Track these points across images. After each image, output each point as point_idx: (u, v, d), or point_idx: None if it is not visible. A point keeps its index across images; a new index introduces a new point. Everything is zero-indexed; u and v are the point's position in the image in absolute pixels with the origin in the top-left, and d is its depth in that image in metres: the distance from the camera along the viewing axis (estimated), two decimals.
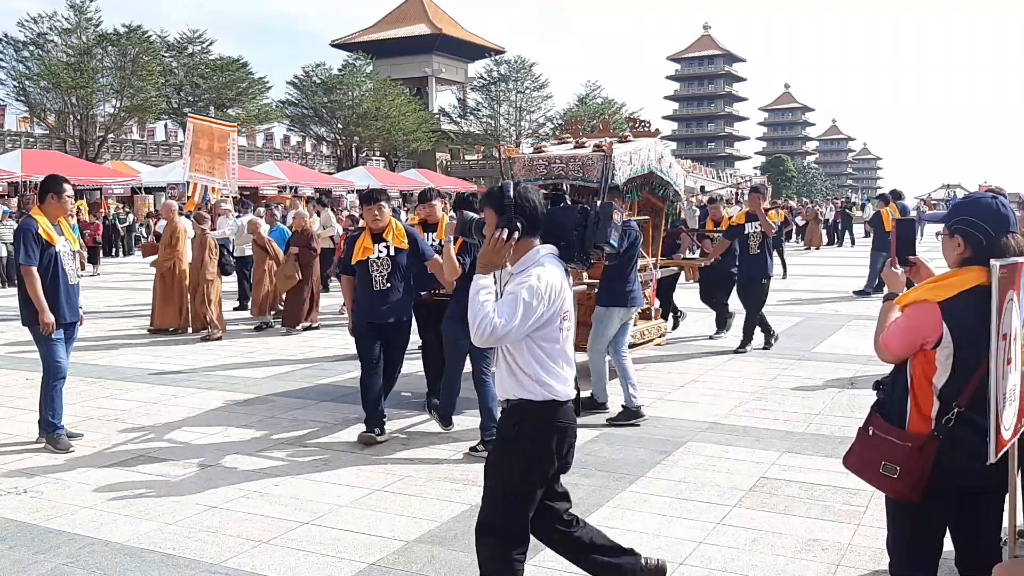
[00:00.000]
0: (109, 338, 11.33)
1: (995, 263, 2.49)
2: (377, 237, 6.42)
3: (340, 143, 49.62)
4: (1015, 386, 2.59)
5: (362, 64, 50.07)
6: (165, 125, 42.41)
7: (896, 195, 17.39)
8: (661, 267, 9.57)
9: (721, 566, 4.21)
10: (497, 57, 59.59)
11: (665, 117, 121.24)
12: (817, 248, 29.20)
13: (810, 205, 36.66)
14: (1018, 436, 2.64)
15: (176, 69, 41.14)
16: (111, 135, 38.72)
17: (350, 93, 47.84)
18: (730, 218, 11.55)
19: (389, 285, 6.37)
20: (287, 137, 49.52)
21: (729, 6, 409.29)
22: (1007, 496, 3.01)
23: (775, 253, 19.23)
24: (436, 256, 6.44)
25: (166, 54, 40.77)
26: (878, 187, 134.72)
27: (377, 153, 53.10)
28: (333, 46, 67.06)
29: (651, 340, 9.08)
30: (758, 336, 10.06)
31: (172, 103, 40.38)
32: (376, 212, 6.41)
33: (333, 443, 6.41)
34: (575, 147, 8.51)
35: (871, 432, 2.95)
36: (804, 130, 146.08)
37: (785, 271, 18.96)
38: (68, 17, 36.63)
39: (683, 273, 11.40)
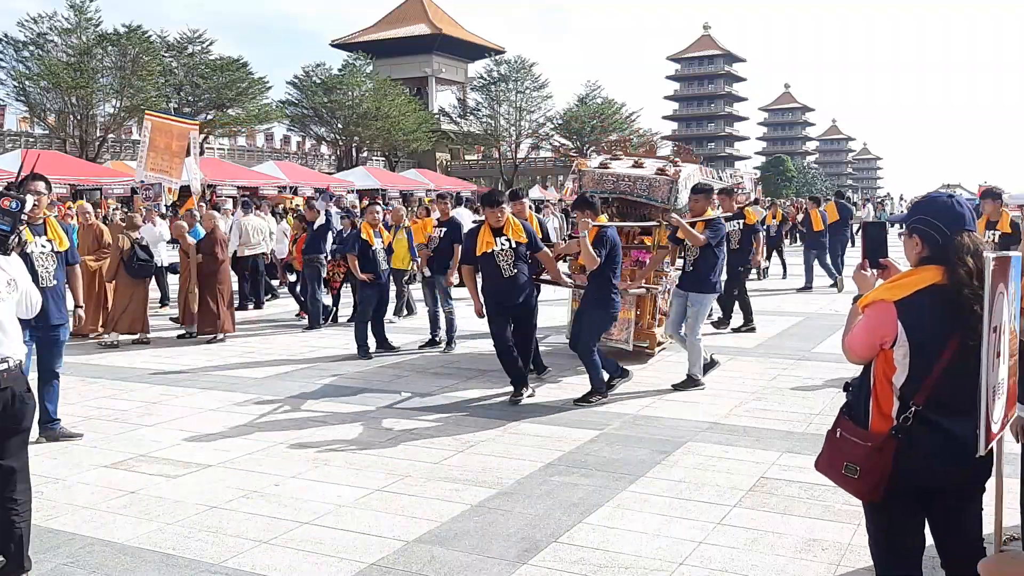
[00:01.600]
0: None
1: (989, 256, 2.50)
2: (497, 232, 7.53)
3: (340, 143, 49.63)
4: (1003, 379, 2.59)
5: (362, 64, 50.07)
6: None
7: (839, 195, 18.25)
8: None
9: (721, 566, 4.21)
10: (497, 57, 59.57)
11: (665, 117, 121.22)
12: None
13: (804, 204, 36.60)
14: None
15: (176, 69, 41.11)
16: (111, 135, 38.70)
17: (350, 93, 47.85)
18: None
19: (516, 271, 7.51)
20: (287, 137, 49.53)
21: (729, 6, 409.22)
22: (981, 495, 3.00)
23: (774, 253, 19.50)
24: (545, 248, 7.97)
25: (166, 54, 40.74)
26: (878, 187, 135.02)
27: (377, 153, 53.11)
28: (333, 46, 67.08)
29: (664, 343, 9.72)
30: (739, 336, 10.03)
31: (172, 103, 40.33)
32: (498, 213, 7.53)
33: (333, 443, 6.41)
34: (633, 166, 9.81)
35: (838, 434, 2.96)
36: (804, 130, 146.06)
37: (785, 271, 18.96)
38: (68, 17, 36.64)
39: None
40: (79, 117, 36.75)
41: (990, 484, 3.07)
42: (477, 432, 6.57)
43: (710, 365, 8.28)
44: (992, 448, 2.94)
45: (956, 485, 2.84)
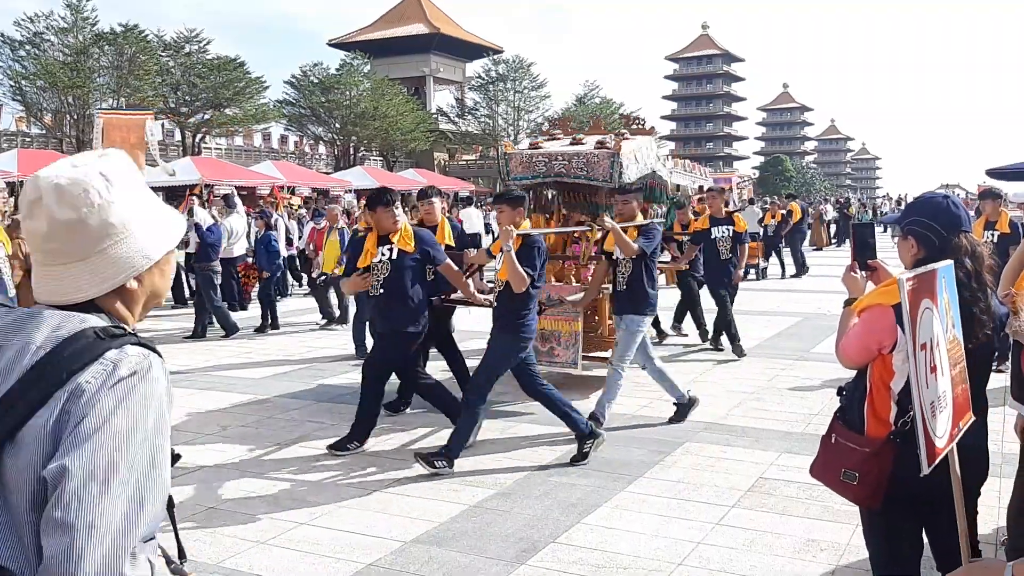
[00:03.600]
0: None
1: (902, 277, 2.46)
2: (384, 240, 6.15)
3: (338, 143, 49.58)
4: (945, 392, 2.55)
5: (360, 64, 50.00)
6: (162, 125, 42.34)
7: (791, 197, 19.53)
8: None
9: (720, 567, 4.20)
10: (495, 57, 59.55)
11: (664, 117, 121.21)
12: (820, 248, 29.17)
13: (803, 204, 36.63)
14: (955, 443, 2.59)
15: (173, 69, 41.01)
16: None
17: (348, 93, 47.78)
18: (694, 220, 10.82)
19: (383, 291, 6.08)
20: (284, 137, 49.49)
21: (728, 6, 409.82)
22: (975, 499, 2.99)
23: (772, 254, 19.52)
24: (449, 261, 6.34)
25: (163, 53, 40.67)
26: (877, 187, 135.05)
27: (375, 153, 53.05)
28: (331, 45, 67.00)
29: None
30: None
31: (169, 103, 40.27)
32: (386, 217, 6.10)
33: (331, 443, 6.39)
34: (572, 143, 8.11)
35: (833, 439, 2.91)
36: (803, 130, 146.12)
37: (783, 271, 18.98)
38: (65, 16, 36.55)
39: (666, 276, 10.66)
40: (76, 117, 36.66)
41: (988, 488, 3.06)
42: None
43: (690, 404, 6.89)
44: (995, 452, 2.93)
45: (946, 494, 2.82)
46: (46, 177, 1.42)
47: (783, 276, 18.65)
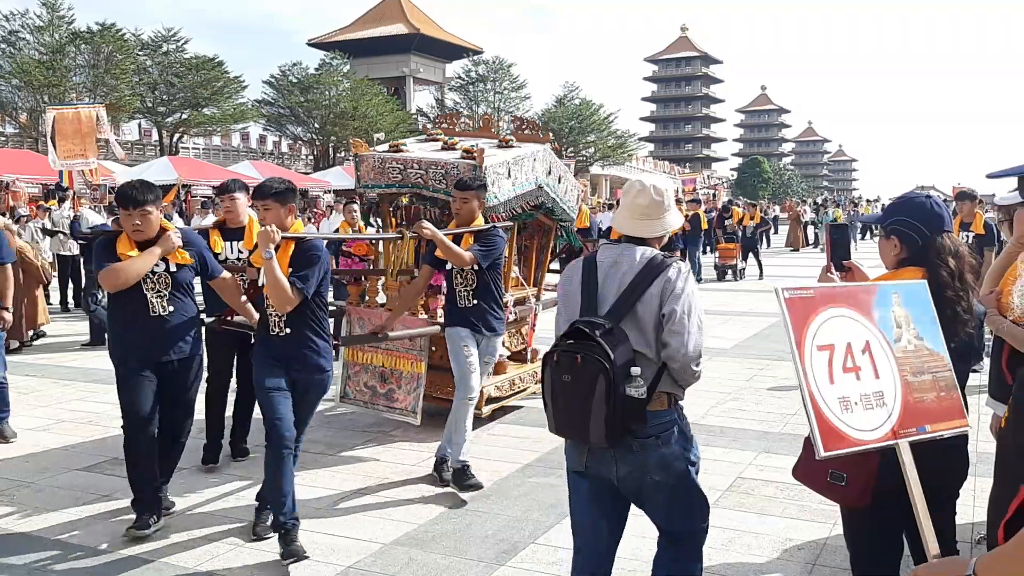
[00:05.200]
0: (82, 339, 11.19)
1: (779, 289, 2.52)
2: (145, 246, 4.57)
3: (317, 143, 49.39)
4: (881, 392, 2.58)
5: (339, 63, 49.85)
6: (139, 124, 42.02)
7: (697, 202, 19.85)
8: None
9: None
10: (475, 57, 59.55)
11: (643, 118, 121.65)
12: (797, 250, 29.39)
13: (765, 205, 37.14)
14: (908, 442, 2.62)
15: (151, 68, 40.71)
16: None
17: (327, 92, 47.60)
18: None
19: (172, 309, 4.63)
20: (263, 137, 49.23)
21: (711, 7, 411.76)
22: (955, 498, 3.02)
23: (751, 255, 19.65)
24: (225, 273, 5.00)
25: (140, 53, 40.35)
26: (853, 188, 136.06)
27: (354, 153, 52.91)
28: (310, 45, 66.73)
29: (525, 390, 7.17)
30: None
31: (147, 102, 39.95)
32: (137, 217, 4.50)
33: (310, 446, 6.36)
34: (442, 148, 6.81)
35: None
36: (780, 132, 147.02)
37: (761, 273, 19.09)
38: (41, 15, 36.18)
39: None
40: None
41: (963, 488, 3.10)
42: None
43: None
44: (970, 452, 2.96)
45: (934, 490, 2.85)
46: (651, 184, 3.07)
47: (761, 277, 18.77)
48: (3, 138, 36.46)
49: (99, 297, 10.46)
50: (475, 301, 5.41)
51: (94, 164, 15.56)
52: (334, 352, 4.79)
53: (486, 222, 5.66)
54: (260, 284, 4.53)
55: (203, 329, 5.06)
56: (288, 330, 4.44)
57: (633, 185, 3.12)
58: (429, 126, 7.53)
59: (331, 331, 4.72)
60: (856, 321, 2.59)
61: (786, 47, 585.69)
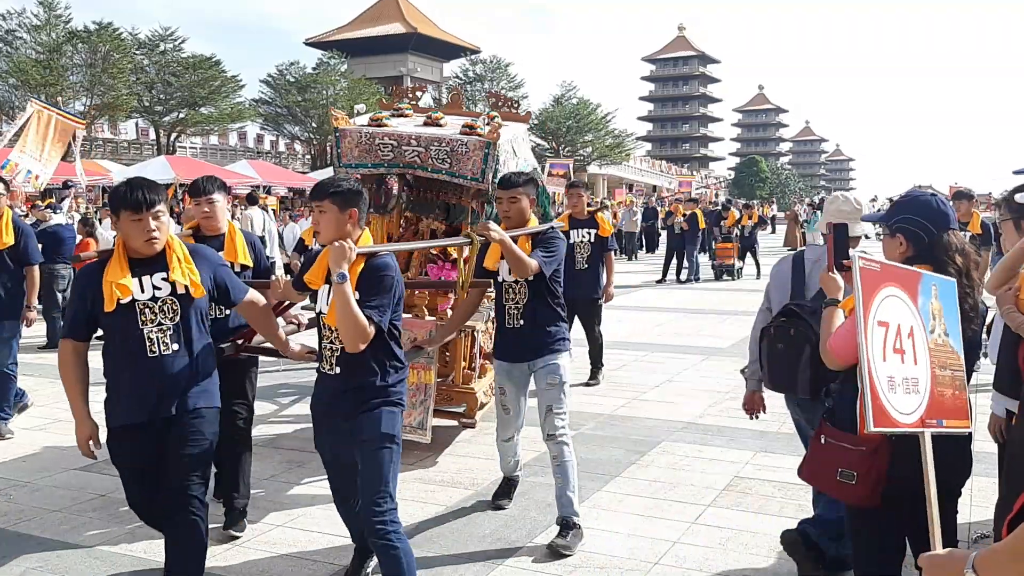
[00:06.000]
0: None
1: (855, 255, 2.55)
2: (144, 265, 3.51)
3: (314, 142, 49.35)
4: (917, 379, 2.59)
5: (336, 63, 49.83)
6: (136, 124, 41.99)
7: (694, 201, 19.92)
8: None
9: (696, 565, 4.23)
10: (473, 57, 59.55)
11: (640, 118, 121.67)
12: (795, 249, 29.39)
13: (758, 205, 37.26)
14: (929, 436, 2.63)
15: (148, 67, 40.65)
16: (82, 133, 38.15)
17: (324, 92, 47.58)
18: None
19: (178, 347, 3.56)
20: (260, 136, 49.18)
21: (709, 7, 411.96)
22: (958, 496, 3.02)
23: (748, 254, 19.66)
24: (253, 294, 3.93)
25: (137, 52, 40.29)
26: (851, 188, 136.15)
27: None
28: (307, 44, 66.73)
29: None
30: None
31: (144, 101, 39.90)
32: (142, 224, 3.45)
33: (307, 444, 6.35)
34: (426, 123, 6.09)
35: (823, 440, 2.91)
36: (778, 131, 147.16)
37: (759, 272, 19.10)
38: (37, 14, 36.15)
39: None
40: None
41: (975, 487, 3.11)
42: (452, 433, 6.55)
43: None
44: (972, 450, 2.97)
45: (938, 484, 2.85)
46: (853, 196, 3.15)
47: (758, 276, 18.78)
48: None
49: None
50: (522, 320, 4.62)
51: (44, 174, 14.94)
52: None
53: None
54: (317, 313, 3.65)
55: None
56: (338, 369, 3.54)
57: (838, 196, 4.09)
58: (387, 100, 6.47)
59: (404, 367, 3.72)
60: (906, 305, 2.62)
61: (784, 47, 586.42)
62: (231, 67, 67.13)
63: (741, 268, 19.54)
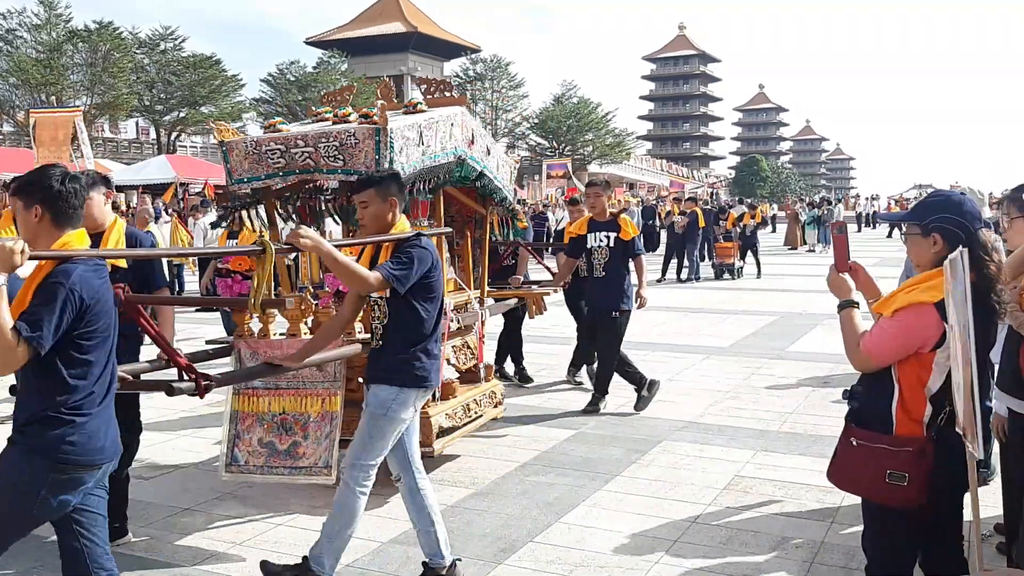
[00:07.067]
0: None
1: (962, 251, 2.55)
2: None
3: None
4: (958, 382, 2.60)
5: (337, 62, 49.87)
6: (137, 123, 42.05)
7: (691, 200, 19.91)
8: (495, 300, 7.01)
9: (696, 565, 4.23)
10: (473, 56, 59.59)
11: (640, 117, 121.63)
12: (795, 248, 29.35)
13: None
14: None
15: (148, 66, 40.71)
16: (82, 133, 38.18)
17: (324, 91, 47.69)
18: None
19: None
20: None
21: (710, 6, 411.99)
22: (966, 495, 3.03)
23: (748, 253, 19.63)
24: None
25: (138, 51, 40.33)
26: (851, 187, 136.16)
27: None
28: (308, 44, 66.76)
29: (481, 417, 6.00)
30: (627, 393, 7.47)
31: (144, 100, 39.96)
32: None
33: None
34: (333, 123, 5.39)
35: (855, 443, 2.87)
36: (778, 130, 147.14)
37: (759, 272, 19.09)
38: (38, 13, 36.21)
39: (528, 307, 7.43)
40: None
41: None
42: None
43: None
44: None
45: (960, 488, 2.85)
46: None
47: (759, 276, 18.77)
48: (0, 136, 36.43)
49: None
50: (381, 342, 3.90)
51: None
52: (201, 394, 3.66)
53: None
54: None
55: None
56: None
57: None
58: (315, 108, 6.02)
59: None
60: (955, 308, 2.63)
61: (784, 46, 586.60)
62: (231, 67, 67.09)
63: (742, 267, 19.52)
